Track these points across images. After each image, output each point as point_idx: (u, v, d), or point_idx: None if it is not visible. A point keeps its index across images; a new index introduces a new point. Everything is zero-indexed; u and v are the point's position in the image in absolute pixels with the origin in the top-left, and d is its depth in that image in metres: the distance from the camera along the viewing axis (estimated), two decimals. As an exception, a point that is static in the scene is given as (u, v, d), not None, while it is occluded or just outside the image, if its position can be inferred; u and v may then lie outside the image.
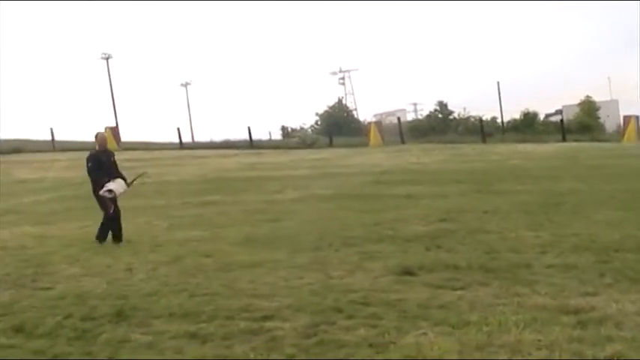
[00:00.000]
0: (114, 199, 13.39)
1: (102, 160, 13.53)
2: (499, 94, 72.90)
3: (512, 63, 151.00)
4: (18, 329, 7.52)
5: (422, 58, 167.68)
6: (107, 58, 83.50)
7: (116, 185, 13.33)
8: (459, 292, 7.92)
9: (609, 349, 5.74)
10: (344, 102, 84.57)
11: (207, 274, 9.59)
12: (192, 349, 6.33)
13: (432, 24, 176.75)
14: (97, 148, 13.77)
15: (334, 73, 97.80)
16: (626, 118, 49.03)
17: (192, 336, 6.74)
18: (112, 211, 13.21)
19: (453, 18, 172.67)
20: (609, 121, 64.71)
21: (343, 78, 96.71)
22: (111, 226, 13.26)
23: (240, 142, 55.34)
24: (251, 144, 53.67)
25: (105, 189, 13.17)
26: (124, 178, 13.77)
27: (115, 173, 13.63)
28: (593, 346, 5.85)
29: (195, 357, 6.12)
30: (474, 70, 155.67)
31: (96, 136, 13.93)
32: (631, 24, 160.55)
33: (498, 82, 73.93)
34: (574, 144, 42.62)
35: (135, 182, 14.18)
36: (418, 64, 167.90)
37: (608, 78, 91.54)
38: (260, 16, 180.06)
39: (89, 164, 13.43)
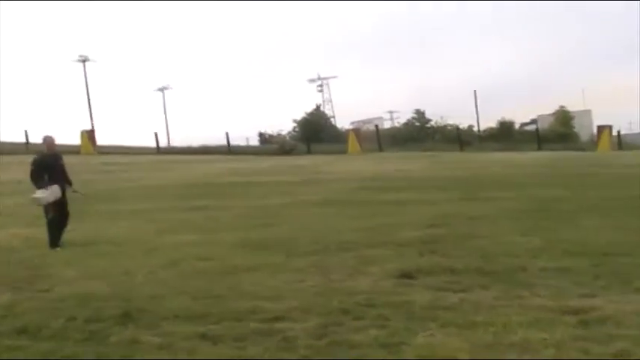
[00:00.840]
0: (63, 204, 13.49)
1: (48, 163, 13.72)
2: (476, 103, 73.52)
3: (487, 73, 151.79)
4: (21, 331, 7.55)
5: (398, 66, 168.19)
6: (84, 61, 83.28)
7: (47, 193, 13.38)
8: (460, 295, 8.08)
9: (613, 347, 5.94)
10: (322, 109, 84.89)
11: (207, 277, 9.69)
12: (206, 350, 6.43)
13: (406, 32, 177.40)
14: (45, 150, 13.95)
15: (312, 81, 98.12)
16: (600, 128, 49.89)
17: (203, 337, 6.83)
18: (50, 216, 13.35)
19: (426, 26, 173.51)
20: (583, 131, 65.40)
21: (321, 85, 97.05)
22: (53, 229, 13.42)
23: (218, 147, 55.35)
24: (229, 150, 53.72)
25: (34, 196, 13.31)
26: (69, 183, 13.86)
27: (60, 177, 13.70)
28: (598, 344, 6.05)
29: (210, 357, 6.22)
30: (449, 79, 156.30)
31: (44, 139, 14.12)
32: (604, 36, 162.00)
33: (475, 91, 74.65)
34: (550, 153, 43.07)
35: (77, 192, 14.20)
36: (394, 73, 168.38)
37: (582, 89, 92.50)
38: (237, 22, 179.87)
39: (31, 168, 13.62)
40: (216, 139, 58.56)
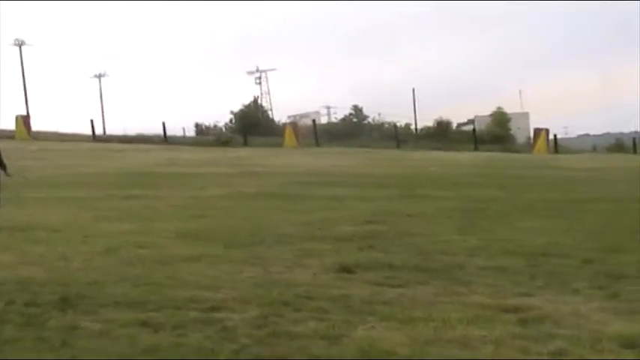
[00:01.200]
0: None
1: None
2: (414, 101, 74.21)
3: (427, 72, 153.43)
4: (-43, 316, 7.38)
5: (337, 62, 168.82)
6: (20, 45, 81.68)
7: None
8: (399, 290, 8.16)
9: (552, 346, 6.04)
10: (259, 102, 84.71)
11: (145, 266, 9.60)
12: (146, 337, 6.37)
13: (346, 29, 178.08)
14: None
15: (251, 73, 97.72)
16: (537, 131, 50.66)
17: (144, 324, 6.76)
18: None
19: (367, 24, 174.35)
20: (520, 133, 66.57)
21: (260, 77, 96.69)
22: None
23: (154, 136, 54.88)
24: (166, 139, 53.30)
25: None
26: (4, 167, 13.72)
27: None
28: (536, 342, 6.15)
29: (150, 344, 6.16)
30: (388, 77, 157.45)
31: None
32: (543, 39, 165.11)
33: (414, 90, 75.42)
34: (487, 154, 43.69)
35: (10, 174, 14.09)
36: (334, 68, 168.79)
37: (520, 91, 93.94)
38: (177, 11, 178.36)
39: None
40: (152, 129, 58.11)
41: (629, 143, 56.64)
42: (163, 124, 54.95)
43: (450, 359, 5.81)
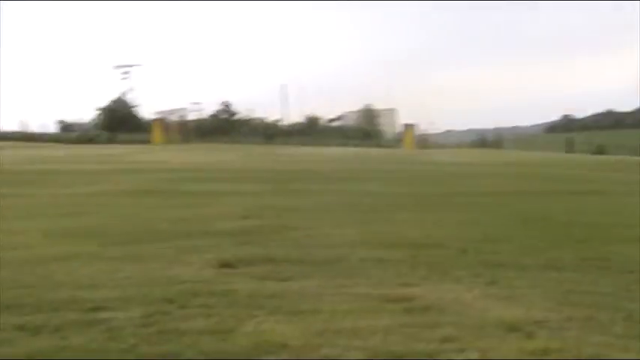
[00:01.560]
0: None
1: None
2: (283, 97, 74.49)
3: (295, 68, 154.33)
4: None
5: (204, 57, 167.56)
6: None
7: None
8: (283, 284, 8.10)
9: (440, 333, 6.12)
10: (126, 97, 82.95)
11: (15, 267, 9.12)
12: (25, 342, 6.05)
13: (216, 23, 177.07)
14: None
15: (118, 67, 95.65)
16: (405, 127, 51.82)
17: (20, 328, 6.40)
18: None
19: (237, 16, 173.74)
20: (388, 129, 67.78)
21: (126, 72, 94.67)
22: None
23: (12, 133, 53.12)
24: (26, 136, 51.69)
25: None
26: None
27: None
28: (424, 330, 6.21)
29: (31, 349, 5.85)
30: (256, 72, 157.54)
31: None
32: (407, 36, 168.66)
33: (284, 86, 75.79)
34: (357, 149, 44.28)
35: None
36: (200, 63, 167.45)
37: (388, 87, 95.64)
38: (40, 4, 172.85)
39: None
40: (8, 126, 56.26)
41: (490, 139, 58.95)
42: (22, 120, 53.35)
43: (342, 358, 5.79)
